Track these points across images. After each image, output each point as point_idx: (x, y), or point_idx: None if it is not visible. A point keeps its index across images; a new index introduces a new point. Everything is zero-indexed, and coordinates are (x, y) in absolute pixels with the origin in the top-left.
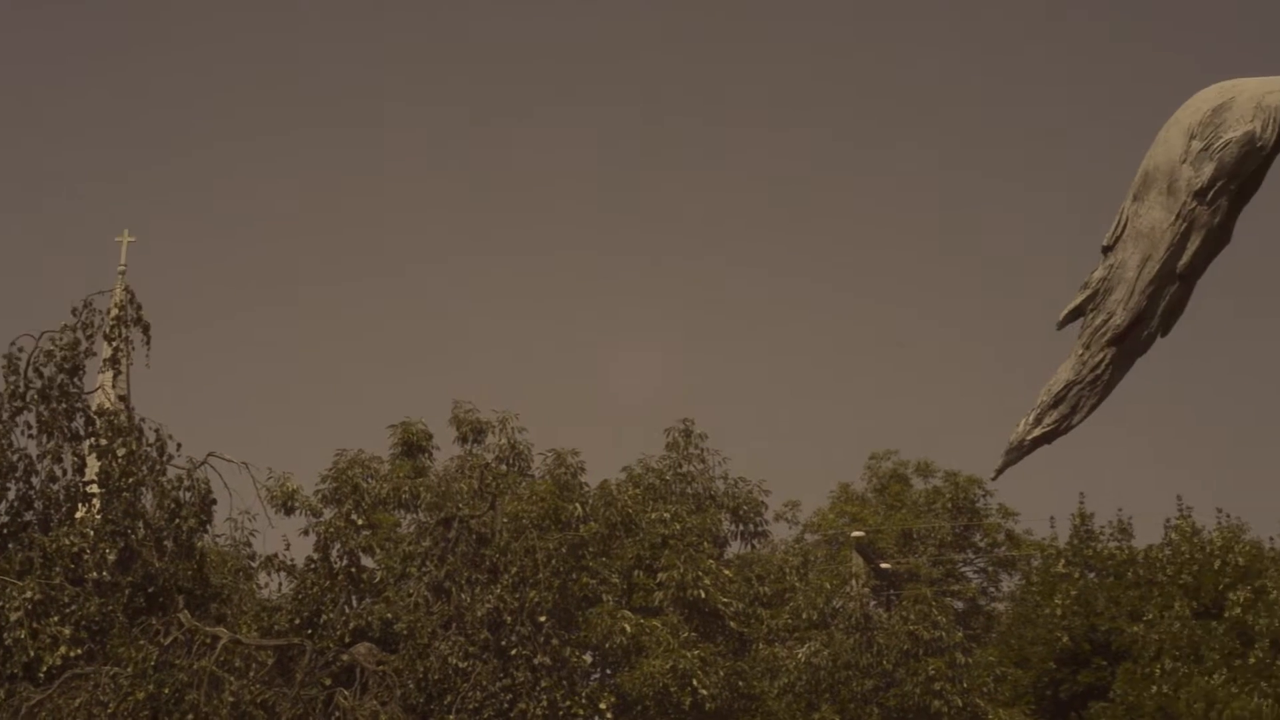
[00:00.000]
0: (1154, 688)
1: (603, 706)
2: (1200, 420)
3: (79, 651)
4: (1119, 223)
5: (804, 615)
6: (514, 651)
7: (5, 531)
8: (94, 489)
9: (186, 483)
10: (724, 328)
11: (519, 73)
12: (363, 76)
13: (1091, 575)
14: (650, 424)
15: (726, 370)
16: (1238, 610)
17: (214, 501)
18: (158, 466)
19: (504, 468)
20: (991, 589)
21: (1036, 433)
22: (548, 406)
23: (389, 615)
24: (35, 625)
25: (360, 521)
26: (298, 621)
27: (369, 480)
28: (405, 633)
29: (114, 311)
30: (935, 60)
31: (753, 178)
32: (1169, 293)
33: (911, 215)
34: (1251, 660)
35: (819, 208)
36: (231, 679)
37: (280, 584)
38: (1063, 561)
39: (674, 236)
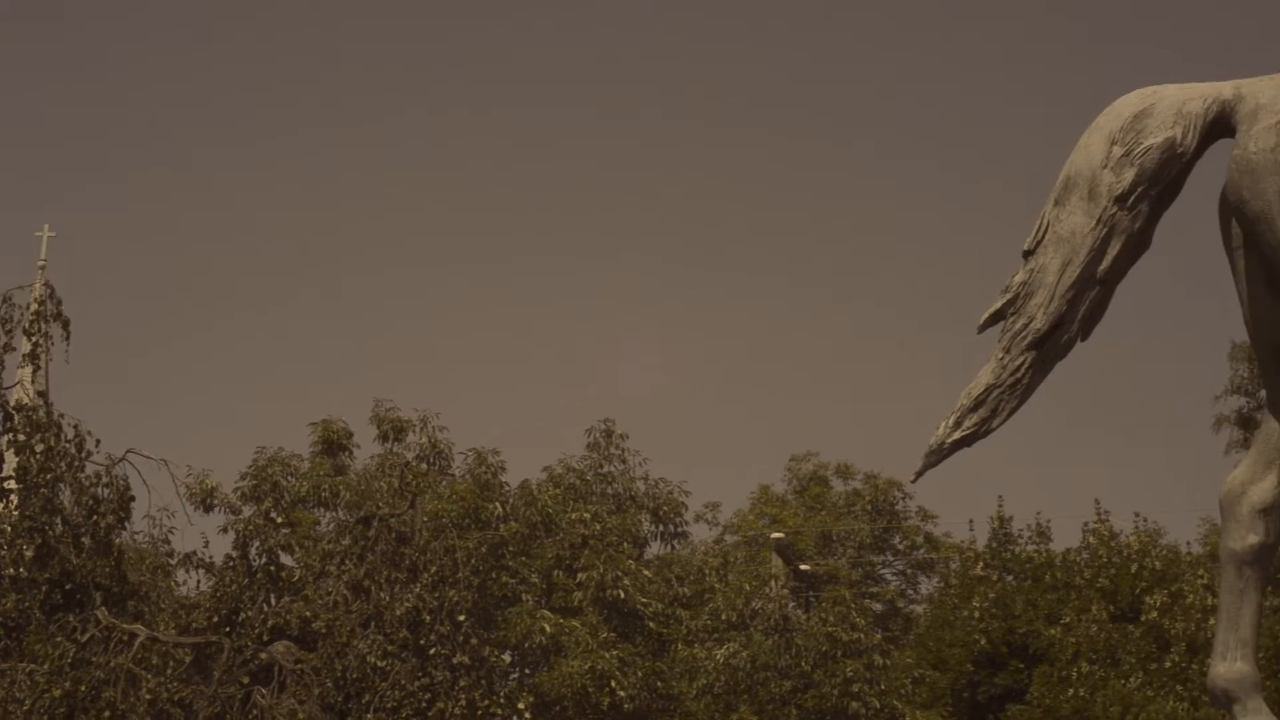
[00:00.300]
0: (1071, 691)
1: (521, 706)
2: (1118, 425)
3: None
4: (1040, 227)
5: (723, 616)
6: (433, 651)
7: None
8: (11, 485)
9: (105, 479)
10: (646, 327)
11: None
12: (297, 73)
13: (1009, 578)
14: (573, 424)
15: (648, 370)
16: (1154, 614)
17: (132, 498)
18: (76, 463)
19: (424, 466)
20: (910, 591)
21: (956, 436)
22: (473, 407)
23: (307, 613)
24: None
25: (279, 519)
26: (216, 619)
27: (289, 478)
28: (324, 631)
29: (33, 307)
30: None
31: (665, 175)
32: (1089, 297)
33: (834, 217)
34: (1168, 664)
35: (738, 205)
36: (149, 676)
37: (198, 581)
38: (981, 564)
39: (594, 236)
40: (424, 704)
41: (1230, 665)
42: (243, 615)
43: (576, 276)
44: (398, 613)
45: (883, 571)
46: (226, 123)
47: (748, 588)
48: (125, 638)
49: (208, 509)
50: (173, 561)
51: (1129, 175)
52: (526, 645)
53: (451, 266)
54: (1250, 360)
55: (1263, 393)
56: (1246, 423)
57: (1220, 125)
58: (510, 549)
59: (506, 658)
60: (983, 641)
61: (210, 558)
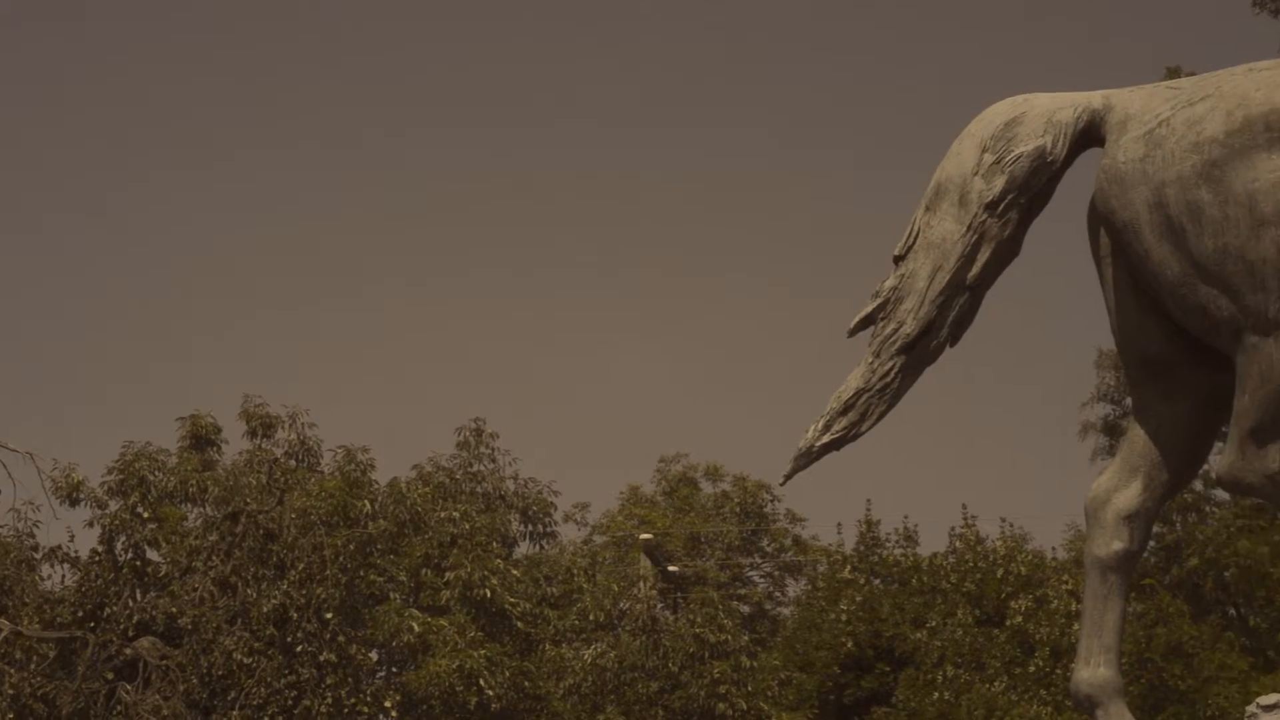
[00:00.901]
0: (936, 694)
1: (388, 705)
2: (986, 431)
3: None
4: (911, 233)
5: (591, 616)
6: (299, 648)
7: None
8: None
9: None
10: (517, 326)
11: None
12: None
13: (877, 582)
14: (446, 424)
15: (519, 369)
16: (1019, 619)
17: None
18: None
19: (293, 463)
20: (778, 593)
21: (825, 439)
22: (344, 405)
23: (173, 609)
24: None
25: (146, 514)
26: (81, 614)
27: (156, 473)
28: (190, 627)
29: None
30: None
31: (527, 172)
32: (958, 303)
33: (705, 213)
34: (1032, 669)
35: (606, 199)
36: (11, 671)
37: (64, 576)
38: (848, 568)
39: (451, 235)
40: (290, 701)
41: (1094, 670)
42: (108, 610)
43: (444, 274)
44: (264, 609)
45: (750, 573)
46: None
47: (616, 588)
48: None
49: (74, 503)
50: (37, 555)
51: (999, 183)
52: (394, 643)
53: (320, 263)
54: (1117, 368)
55: (1129, 400)
56: (1113, 430)
57: (1090, 134)
58: (378, 547)
59: (374, 656)
60: (849, 644)
61: (76, 552)
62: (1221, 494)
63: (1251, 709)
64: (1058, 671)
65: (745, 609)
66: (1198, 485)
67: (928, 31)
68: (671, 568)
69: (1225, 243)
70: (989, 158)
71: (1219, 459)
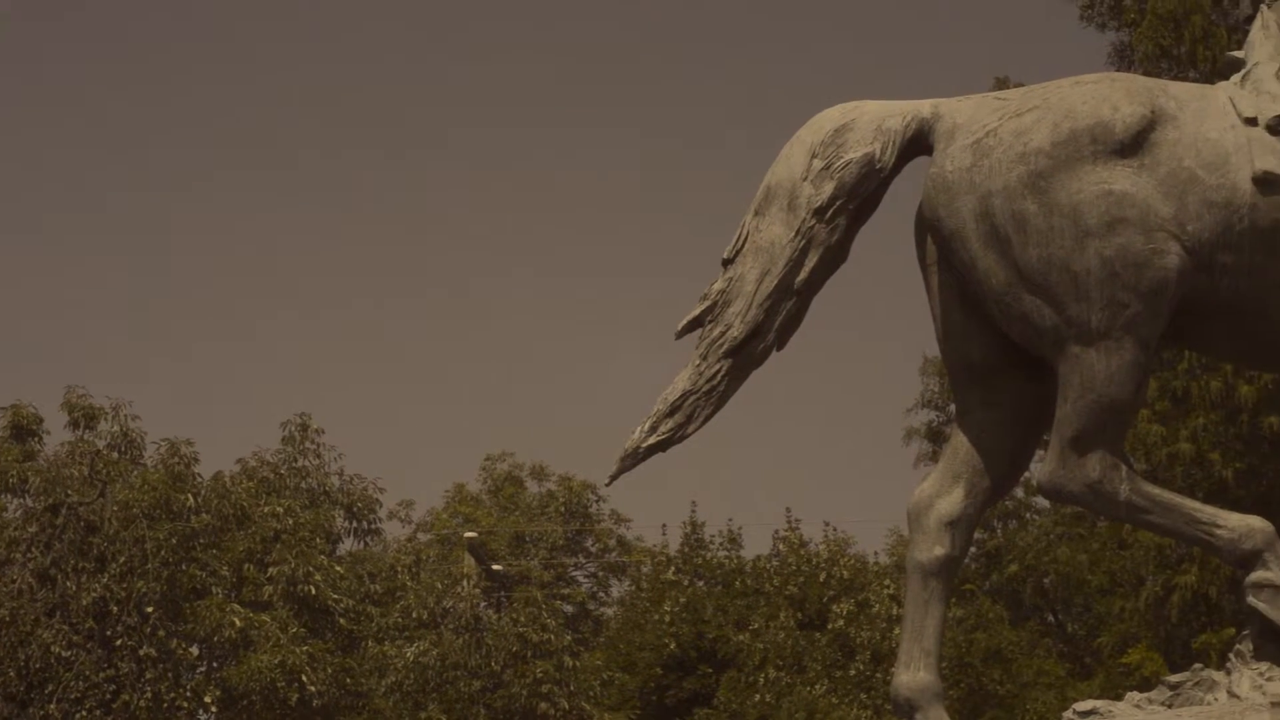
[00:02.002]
0: (757, 696)
1: (208, 700)
2: (810, 435)
3: None
4: (740, 236)
5: (414, 614)
6: (119, 642)
7: None
8: None
9: None
10: (344, 323)
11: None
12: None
13: (700, 583)
14: (271, 419)
15: (344, 367)
16: (841, 622)
17: None
18: None
19: (115, 455)
20: (601, 594)
21: (651, 441)
22: (163, 395)
23: None
24: None
25: None
26: None
27: None
28: (7, 619)
29: None
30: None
31: (346, 171)
32: (786, 307)
33: (536, 217)
34: (852, 672)
35: (433, 201)
36: None
37: None
38: (672, 569)
39: (286, 228)
40: (109, 695)
41: (914, 675)
42: None
43: (269, 269)
44: (84, 603)
45: (575, 573)
46: None
47: (440, 586)
48: None
49: None
50: None
51: (828, 189)
52: (215, 638)
53: (146, 256)
54: (941, 375)
55: (952, 407)
56: (936, 436)
57: (918, 143)
58: (201, 541)
59: (194, 651)
60: (672, 645)
61: None
62: (1042, 501)
63: (1068, 715)
64: (878, 675)
65: (569, 609)
66: (1019, 492)
67: (756, 35)
68: (496, 566)
69: (1050, 253)
70: (818, 163)
71: (1040, 466)
